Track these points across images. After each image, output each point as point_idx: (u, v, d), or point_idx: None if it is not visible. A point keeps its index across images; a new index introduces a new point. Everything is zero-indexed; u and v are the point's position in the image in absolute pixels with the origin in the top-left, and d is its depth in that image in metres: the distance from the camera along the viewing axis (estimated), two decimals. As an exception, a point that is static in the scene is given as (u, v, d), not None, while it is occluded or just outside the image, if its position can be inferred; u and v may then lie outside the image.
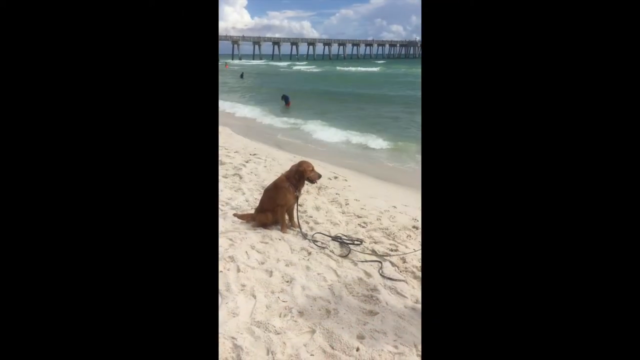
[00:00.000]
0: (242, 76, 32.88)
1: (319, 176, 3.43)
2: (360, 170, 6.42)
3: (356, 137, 9.35)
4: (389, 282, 2.60)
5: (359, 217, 3.87)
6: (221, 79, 27.42)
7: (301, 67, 51.94)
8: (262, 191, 3.85)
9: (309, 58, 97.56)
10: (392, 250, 3.13)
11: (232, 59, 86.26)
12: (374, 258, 2.96)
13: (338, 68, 47.79)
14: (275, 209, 3.41)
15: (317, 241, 3.22)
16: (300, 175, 3.38)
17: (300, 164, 3.44)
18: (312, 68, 49.63)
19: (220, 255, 2.86)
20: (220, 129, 9.42)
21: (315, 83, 26.60)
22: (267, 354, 1.91)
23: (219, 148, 6.71)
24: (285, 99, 15.54)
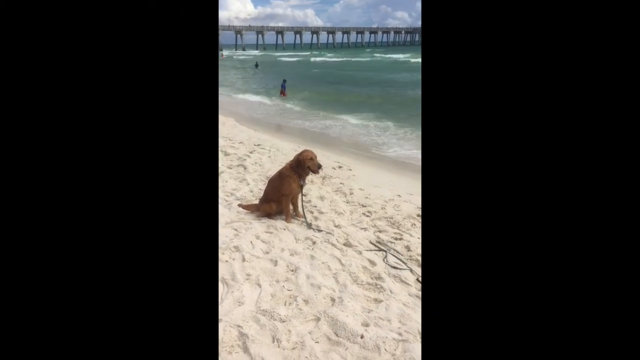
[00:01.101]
0: (256, 66, 32.53)
1: (319, 166, 3.33)
2: (365, 159, 6.40)
3: (361, 126, 9.30)
4: (393, 271, 2.61)
5: (363, 206, 3.86)
6: (234, 71, 27.26)
7: (288, 58, 50.99)
8: (267, 181, 3.85)
9: (313, 47, 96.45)
10: (396, 239, 3.13)
11: (236, 49, 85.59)
12: (380, 247, 2.96)
13: (312, 59, 46.43)
14: (279, 199, 3.41)
15: (321, 230, 3.23)
16: (298, 163, 3.34)
17: (301, 152, 3.42)
18: (293, 57, 48.72)
19: (225, 245, 2.88)
20: (225, 119, 9.42)
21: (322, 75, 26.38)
22: (273, 341, 1.93)
23: (224, 139, 6.72)
24: (283, 86, 15.37)
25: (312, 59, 46.29)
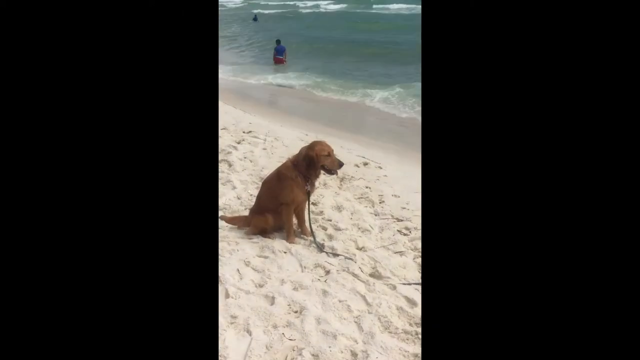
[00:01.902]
0: (255, 19, 33.08)
1: (340, 164, 3.37)
2: (401, 152, 6.37)
3: (393, 107, 9.29)
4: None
5: (398, 220, 3.85)
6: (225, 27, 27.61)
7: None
8: (260, 184, 3.86)
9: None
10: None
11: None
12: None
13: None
14: (278, 209, 3.42)
15: (338, 255, 3.22)
16: (309, 162, 3.34)
17: (313, 145, 3.41)
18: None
19: (201, 275, 2.90)
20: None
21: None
22: (268, 413, 1.92)
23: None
24: (278, 50, 15.38)
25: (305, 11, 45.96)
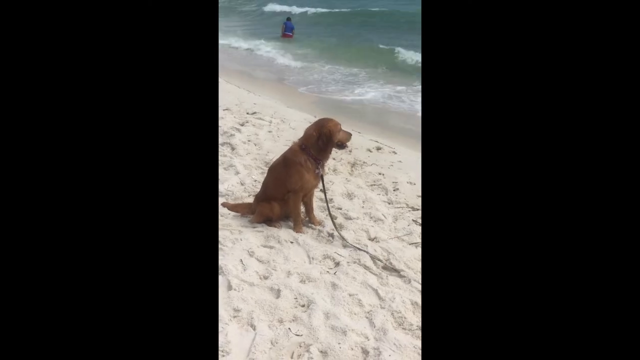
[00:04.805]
0: None
1: (349, 136, 3.47)
2: (417, 137, 6.33)
3: (411, 88, 9.21)
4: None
5: (414, 209, 3.85)
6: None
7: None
8: (265, 169, 3.86)
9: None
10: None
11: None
12: None
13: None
14: (285, 196, 3.43)
15: (348, 245, 3.22)
16: (327, 139, 3.34)
17: (324, 122, 3.40)
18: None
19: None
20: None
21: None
22: (273, 412, 1.94)
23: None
24: (287, 26, 16.22)
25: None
